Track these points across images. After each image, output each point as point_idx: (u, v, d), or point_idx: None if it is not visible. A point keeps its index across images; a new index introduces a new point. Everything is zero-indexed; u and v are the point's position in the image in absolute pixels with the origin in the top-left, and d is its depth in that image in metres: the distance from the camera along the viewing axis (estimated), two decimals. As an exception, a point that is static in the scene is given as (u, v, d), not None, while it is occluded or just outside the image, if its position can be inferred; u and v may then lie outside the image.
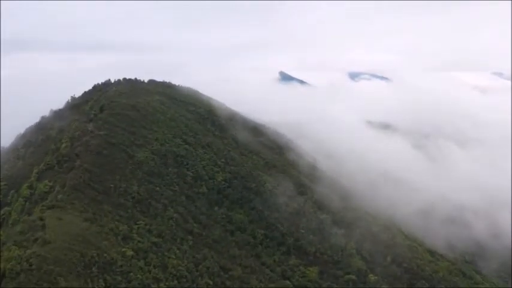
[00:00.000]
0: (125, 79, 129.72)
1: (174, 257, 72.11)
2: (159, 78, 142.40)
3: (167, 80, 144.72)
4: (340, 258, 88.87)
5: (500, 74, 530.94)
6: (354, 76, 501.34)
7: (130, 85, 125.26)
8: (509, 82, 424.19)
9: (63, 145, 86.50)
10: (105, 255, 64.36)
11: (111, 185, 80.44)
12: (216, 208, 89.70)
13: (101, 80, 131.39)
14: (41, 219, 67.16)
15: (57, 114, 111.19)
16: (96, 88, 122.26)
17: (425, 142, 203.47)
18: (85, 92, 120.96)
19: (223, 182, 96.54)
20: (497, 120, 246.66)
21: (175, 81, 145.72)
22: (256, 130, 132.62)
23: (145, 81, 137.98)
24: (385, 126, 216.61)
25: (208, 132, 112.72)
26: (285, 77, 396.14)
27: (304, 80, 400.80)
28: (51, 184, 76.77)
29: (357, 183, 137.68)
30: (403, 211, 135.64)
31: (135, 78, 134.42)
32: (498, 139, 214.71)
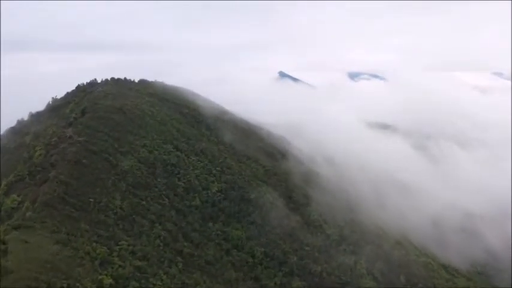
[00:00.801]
0: (113, 79, 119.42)
1: (160, 283, 62.28)
2: (157, 78, 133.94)
3: (165, 80, 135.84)
4: (349, 279, 79.69)
5: (500, 74, 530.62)
6: (353, 76, 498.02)
7: (118, 85, 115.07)
8: (509, 82, 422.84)
9: (37, 153, 76.40)
10: (77, 285, 54.43)
11: (90, 199, 70.39)
12: (210, 224, 79.87)
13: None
14: (4, 242, 57.12)
15: (35, 118, 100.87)
16: (80, 88, 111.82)
17: (427, 143, 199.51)
18: (68, 92, 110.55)
19: (218, 194, 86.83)
20: (499, 120, 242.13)
21: (174, 81, 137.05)
22: (255, 134, 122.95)
23: (136, 81, 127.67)
24: (386, 127, 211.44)
25: (202, 137, 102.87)
26: (284, 77, 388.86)
27: (303, 80, 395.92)
28: (19, 199, 66.67)
29: (361, 189, 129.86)
30: (412, 220, 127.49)
31: (125, 78, 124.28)
32: (501, 140, 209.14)
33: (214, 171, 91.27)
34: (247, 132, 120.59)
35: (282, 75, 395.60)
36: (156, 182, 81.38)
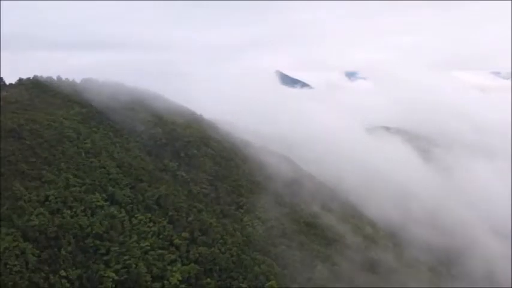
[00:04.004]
0: (35, 78, 79.08)
1: None
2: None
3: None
4: None
5: (497, 73, 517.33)
6: (351, 75, 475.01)
7: (37, 89, 74.78)
8: (508, 81, 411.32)
9: None
10: None
11: None
12: None
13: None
14: None
15: None
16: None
17: (433, 148, 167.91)
18: None
19: (182, 286, 47.39)
20: (501, 120, 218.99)
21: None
22: (247, 160, 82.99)
23: (78, 81, 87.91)
24: (386, 129, 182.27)
25: (162, 174, 63.12)
26: (282, 77, 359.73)
27: (301, 79, 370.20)
28: None
29: (384, 222, 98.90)
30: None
31: (58, 77, 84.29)
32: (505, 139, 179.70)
33: (177, 241, 51.65)
34: (237, 157, 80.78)
35: (279, 74, 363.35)
36: (55, 279, 41.55)
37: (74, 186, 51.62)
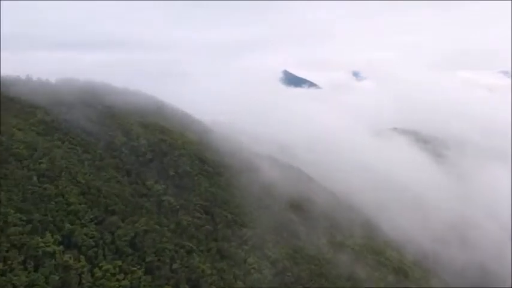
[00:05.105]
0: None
1: None
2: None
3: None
4: None
5: (505, 73, 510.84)
6: (358, 75, 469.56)
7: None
8: None
9: None
10: None
11: None
12: None
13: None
14: None
15: None
16: None
17: (442, 149, 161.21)
18: None
19: None
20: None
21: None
22: (254, 175, 68.85)
23: (53, 81, 74.43)
24: (395, 130, 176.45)
25: (143, 201, 49.05)
26: (289, 76, 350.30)
27: (308, 79, 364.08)
28: None
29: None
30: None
31: (28, 77, 70.91)
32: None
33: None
34: (240, 173, 66.58)
35: (286, 74, 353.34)
36: None
37: (15, 225, 37.71)
